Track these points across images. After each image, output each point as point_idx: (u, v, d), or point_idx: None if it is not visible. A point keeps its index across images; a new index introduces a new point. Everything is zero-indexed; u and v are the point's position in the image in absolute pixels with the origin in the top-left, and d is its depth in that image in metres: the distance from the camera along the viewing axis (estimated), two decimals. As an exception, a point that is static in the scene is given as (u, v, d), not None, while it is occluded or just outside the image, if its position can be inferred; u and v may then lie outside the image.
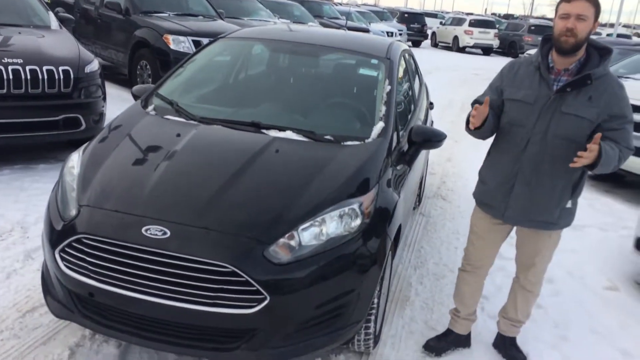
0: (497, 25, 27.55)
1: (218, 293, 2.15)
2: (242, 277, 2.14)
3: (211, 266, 2.15)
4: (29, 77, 4.54)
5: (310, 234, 2.32)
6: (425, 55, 19.23)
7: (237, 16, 10.03)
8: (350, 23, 16.75)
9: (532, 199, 2.53)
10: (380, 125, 2.99)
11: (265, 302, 2.16)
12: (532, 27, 25.75)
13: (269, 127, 2.91)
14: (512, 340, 2.97)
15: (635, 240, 3.93)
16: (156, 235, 2.20)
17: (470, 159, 6.29)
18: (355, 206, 2.43)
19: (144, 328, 2.28)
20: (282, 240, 2.26)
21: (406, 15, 27.40)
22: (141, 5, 8.36)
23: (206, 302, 2.15)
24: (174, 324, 2.24)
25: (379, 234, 2.49)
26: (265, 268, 2.19)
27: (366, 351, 2.78)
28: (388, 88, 3.25)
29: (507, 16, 54.02)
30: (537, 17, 54.27)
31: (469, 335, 3.00)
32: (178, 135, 2.81)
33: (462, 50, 25.27)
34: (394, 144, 2.99)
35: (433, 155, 5.53)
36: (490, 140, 2.70)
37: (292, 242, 2.28)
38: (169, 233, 2.21)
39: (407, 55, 4.25)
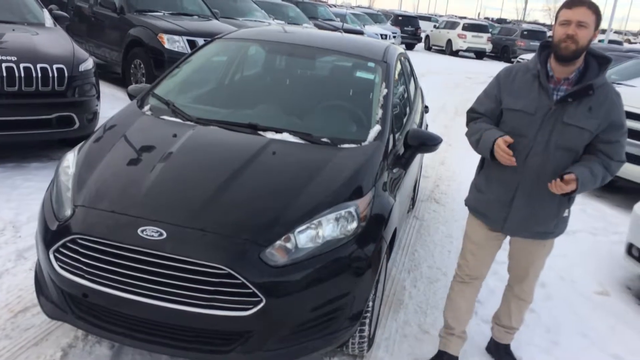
0: (490, 30, 27.71)
1: (213, 295, 2.15)
2: (238, 279, 2.14)
3: (207, 268, 2.14)
4: (22, 74, 4.50)
5: (307, 237, 2.32)
6: (418, 59, 19.28)
7: (232, 16, 10.01)
8: (344, 25, 16.76)
9: (533, 211, 2.48)
10: (376, 128, 2.99)
11: (261, 305, 2.15)
12: (525, 32, 25.95)
13: (265, 129, 2.91)
14: (506, 347, 2.98)
15: (627, 245, 3.96)
16: (152, 236, 2.19)
17: (464, 163, 6.31)
18: (352, 209, 2.44)
19: (138, 329, 2.27)
20: (278, 242, 2.26)
21: (400, 18, 27.52)
22: (136, 4, 8.31)
23: (201, 304, 2.14)
24: (169, 325, 2.24)
25: (374, 238, 2.50)
26: (261, 270, 2.18)
27: (360, 354, 2.78)
28: (385, 91, 3.26)
29: (500, 20, 54.31)
30: (530, 22, 54.62)
31: (457, 357, 2.86)
32: (174, 135, 2.80)
33: (455, 53, 25.39)
34: (390, 147, 3.00)
35: (427, 158, 5.55)
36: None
37: (289, 245, 2.28)
38: (165, 234, 2.20)
39: (403, 58, 4.27)
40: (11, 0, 5.68)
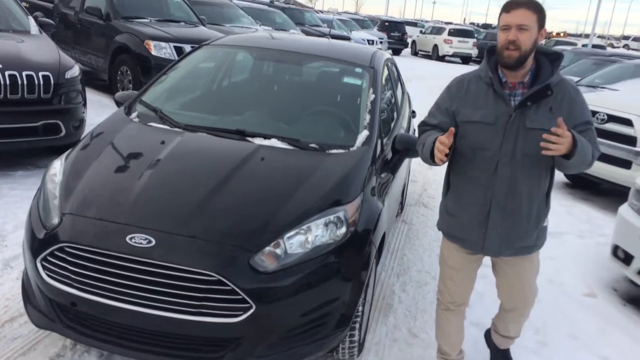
0: (476, 35, 27.96)
1: (203, 302, 2.14)
2: (228, 285, 2.13)
3: (196, 275, 2.14)
4: (8, 82, 4.47)
5: (296, 242, 2.32)
6: (405, 64, 19.37)
7: (218, 23, 10.01)
8: (332, 31, 16.83)
9: (511, 225, 2.32)
10: (364, 133, 3.01)
11: (251, 311, 2.15)
12: (510, 37, 26.14)
13: (254, 135, 2.91)
14: (505, 352, 2.97)
15: (612, 247, 4.01)
16: (141, 243, 2.18)
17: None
18: (341, 214, 2.45)
19: (127, 338, 2.26)
20: (267, 248, 2.26)
21: (387, 23, 27.65)
22: (122, 11, 8.29)
23: (191, 311, 2.14)
24: (158, 333, 2.23)
25: (363, 242, 2.51)
26: (250, 276, 2.18)
27: (350, 359, 2.79)
28: (372, 96, 3.28)
29: (486, 26, 54.82)
30: (515, 27, 54.98)
31: None
32: (162, 142, 2.79)
33: (441, 58, 25.58)
34: (378, 152, 3.02)
35: (414, 163, 5.57)
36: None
37: (278, 251, 2.28)
38: (153, 241, 2.19)
39: (390, 63, 4.30)
40: (-4, 8, 5.64)
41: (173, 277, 2.14)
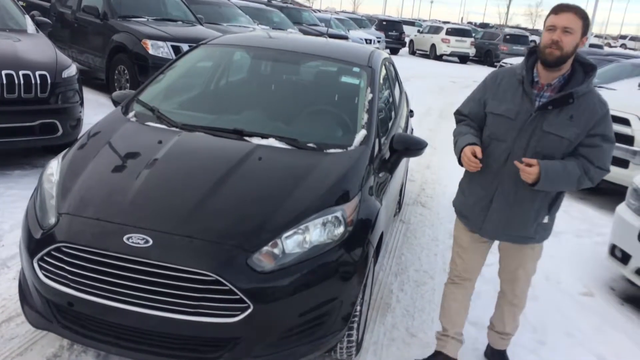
0: (474, 34, 27.97)
1: (201, 302, 2.14)
2: (226, 285, 2.13)
3: (194, 275, 2.13)
4: (4, 81, 4.45)
5: (294, 242, 2.31)
6: (403, 63, 19.40)
7: (216, 22, 9.99)
8: (329, 30, 16.82)
9: (510, 215, 2.48)
10: (362, 133, 3.01)
11: (249, 311, 2.15)
12: (507, 37, 26.24)
13: (251, 135, 2.91)
14: (502, 353, 2.98)
15: (610, 246, 4.01)
16: (138, 243, 2.17)
17: (449, 166, 6.35)
18: (339, 214, 2.44)
19: (125, 338, 2.25)
20: (265, 248, 2.26)
21: (384, 23, 27.63)
22: (119, 10, 8.27)
23: (189, 311, 2.13)
24: (156, 333, 2.22)
25: (361, 242, 2.50)
26: (248, 276, 2.18)
27: (348, 359, 2.78)
28: (370, 96, 3.28)
29: (483, 25, 54.83)
30: (512, 27, 55.20)
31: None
32: (160, 142, 2.78)
33: (439, 58, 25.58)
34: (376, 151, 3.02)
35: (412, 162, 5.58)
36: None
37: (276, 250, 2.27)
38: (151, 241, 2.18)
39: (387, 63, 4.30)
40: (-8, 7, 5.62)
41: (170, 277, 2.13)
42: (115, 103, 3.39)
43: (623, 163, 5.56)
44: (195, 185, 2.49)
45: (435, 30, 27.07)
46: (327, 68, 3.99)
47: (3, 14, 5.60)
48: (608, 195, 6.40)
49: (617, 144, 5.55)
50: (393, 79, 4.48)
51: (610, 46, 44.55)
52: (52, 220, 2.35)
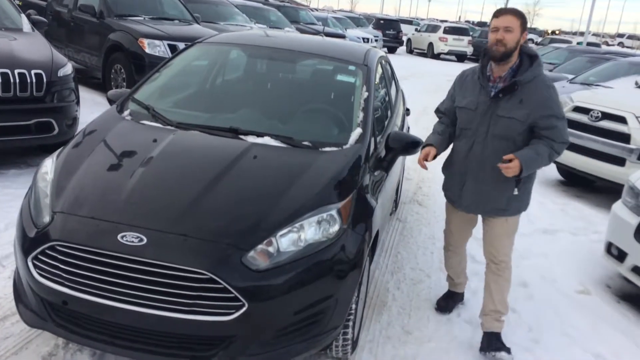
0: (471, 33, 27.99)
1: (195, 300, 2.13)
2: (220, 283, 2.13)
3: (188, 273, 2.13)
4: (0, 80, 4.44)
5: (289, 240, 2.31)
6: (400, 62, 19.41)
7: (213, 21, 9.96)
8: (326, 29, 16.81)
9: (481, 191, 2.91)
10: (358, 131, 3.00)
11: (244, 309, 2.15)
12: (505, 35, 26.18)
13: (247, 133, 2.90)
14: (497, 335, 3.04)
15: (606, 244, 4.02)
16: (132, 242, 2.17)
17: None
18: (334, 212, 2.44)
19: (120, 336, 2.25)
20: (260, 246, 2.25)
21: (382, 21, 27.62)
22: (116, 9, 8.24)
23: (183, 309, 2.13)
24: (150, 331, 2.21)
25: (356, 240, 2.50)
26: (243, 275, 2.17)
27: (344, 357, 2.78)
28: (365, 94, 3.27)
29: (481, 24, 54.78)
30: (510, 25, 55.06)
31: (463, 293, 3.53)
32: (154, 140, 2.78)
33: (436, 56, 25.59)
34: (372, 150, 3.01)
35: (409, 160, 5.57)
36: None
37: (271, 249, 2.27)
38: (145, 240, 2.18)
39: (383, 61, 4.29)
40: (-12, 6, 5.60)
41: (165, 276, 2.13)
42: (111, 102, 3.39)
43: (619, 161, 5.57)
44: (190, 183, 2.49)
45: (432, 28, 27.08)
46: (323, 66, 3.98)
47: (-1, 13, 5.58)
48: (604, 193, 6.41)
49: (614, 142, 5.60)
50: (389, 77, 4.48)
51: (607, 44, 44.62)
52: (47, 219, 2.34)
